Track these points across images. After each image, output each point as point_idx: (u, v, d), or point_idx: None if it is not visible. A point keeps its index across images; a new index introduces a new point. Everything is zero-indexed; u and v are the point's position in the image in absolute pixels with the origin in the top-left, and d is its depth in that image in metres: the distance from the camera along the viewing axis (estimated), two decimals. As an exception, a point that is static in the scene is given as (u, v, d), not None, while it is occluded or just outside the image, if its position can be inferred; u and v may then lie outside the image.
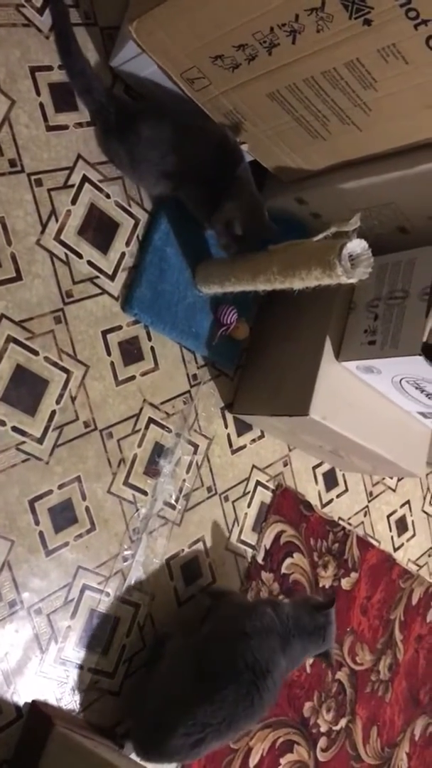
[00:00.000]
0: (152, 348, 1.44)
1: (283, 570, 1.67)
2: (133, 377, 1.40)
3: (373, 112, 1.17)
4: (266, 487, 1.66)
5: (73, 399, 1.31)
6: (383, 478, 1.99)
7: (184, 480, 1.49)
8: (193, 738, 1.20)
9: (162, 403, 1.45)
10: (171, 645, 1.35)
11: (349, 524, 1.87)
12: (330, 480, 1.83)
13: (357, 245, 1.14)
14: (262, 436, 1.67)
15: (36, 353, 1.26)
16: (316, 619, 1.35)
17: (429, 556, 2.13)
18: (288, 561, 1.69)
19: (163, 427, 1.45)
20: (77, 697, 1.30)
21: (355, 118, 1.20)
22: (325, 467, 1.82)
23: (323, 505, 1.80)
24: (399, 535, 2.03)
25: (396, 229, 1.42)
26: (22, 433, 1.24)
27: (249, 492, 1.63)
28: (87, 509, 1.32)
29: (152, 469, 1.43)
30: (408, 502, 2.07)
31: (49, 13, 1.26)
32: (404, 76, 1.06)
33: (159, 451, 1.45)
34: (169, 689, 1.26)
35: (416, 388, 1.40)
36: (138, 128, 1.26)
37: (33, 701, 1.24)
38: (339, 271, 1.12)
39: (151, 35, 1.17)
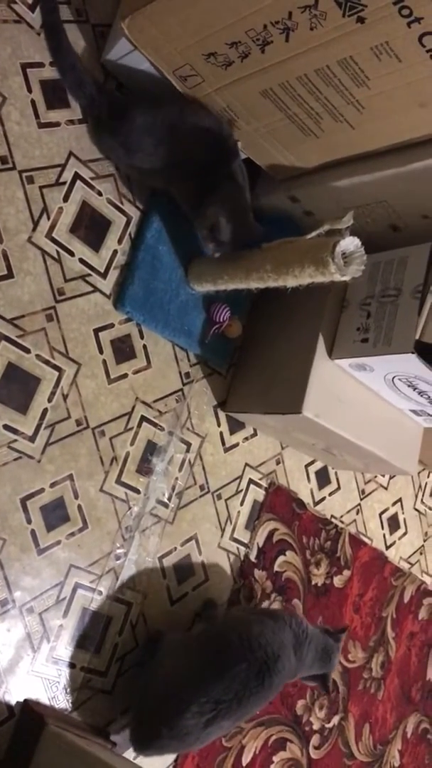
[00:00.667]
0: (144, 346, 1.44)
1: (276, 568, 1.68)
2: (125, 375, 1.40)
3: (365, 110, 1.17)
4: (259, 486, 1.66)
5: (65, 397, 1.30)
6: (375, 476, 2.00)
7: (176, 478, 1.49)
8: (206, 716, 1.19)
9: (154, 401, 1.45)
10: (170, 637, 1.35)
11: (342, 522, 1.87)
12: (322, 478, 1.83)
13: (350, 243, 1.15)
14: (254, 434, 1.67)
15: (28, 351, 1.25)
16: (327, 640, 1.38)
17: (421, 553, 2.14)
18: (281, 559, 1.69)
19: (155, 425, 1.45)
20: (69, 696, 1.30)
21: (348, 115, 1.19)
22: (318, 465, 1.82)
23: (316, 503, 1.80)
24: (391, 533, 2.03)
25: (388, 227, 1.42)
26: (14, 431, 1.23)
27: (242, 490, 1.63)
28: (79, 507, 1.32)
29: (145, 468, 1.43)
30: (400, 500, 2.08)
31: (39, 11, 1.26)
32: (397, 74, 1.07)
33: (151, 449, 1.44)
34: (174, 675, 1.25)
35: (409, 385, 1.41)
36: (132, 116, 1.25)
37: (25, 700, 1.23)
38: (332, 268, 1.12)
39: (144, 32, 1.16)
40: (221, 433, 1.59)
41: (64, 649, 1.29)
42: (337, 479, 1.88)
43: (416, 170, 1.22)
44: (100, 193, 1.36)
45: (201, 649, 1.29)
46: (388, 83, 1.09)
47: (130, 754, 1.36)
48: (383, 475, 2.02)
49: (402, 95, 1.10)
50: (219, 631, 1.33)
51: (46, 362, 1.28)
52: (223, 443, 1.60)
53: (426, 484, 2.18)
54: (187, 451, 1.52)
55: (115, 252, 1.38)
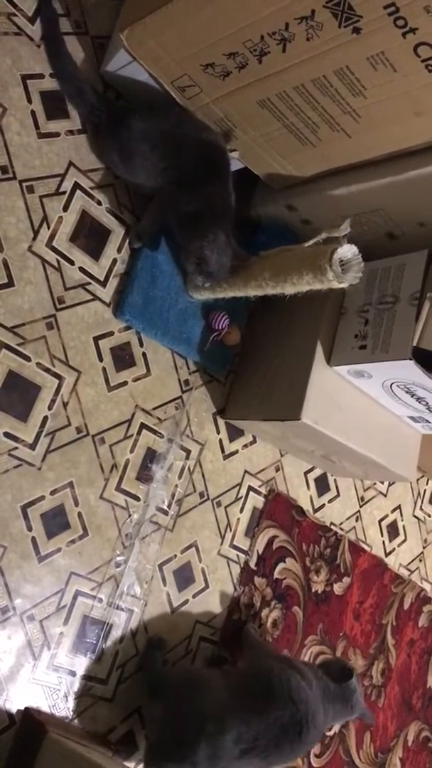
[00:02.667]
0: (144, 354, 1.45)
1: (276, 575, 1.68)
2: (125, 383, 1.41)
3: (362, 119, 1.18)
4: (258, 493, 1.67)
5: (65, 405, 1.31)
6: (374, 483, 2.00)
7: (176, 485, 1.49)
8: (244, 746, 1.20)
9: (154, 408, 1.46)
10: (187, 674, 1.36)
11: (341, 529, 1.87)
12: (322, 485, 1.83)
13: (347, 250, 1.16)
14: (254, 442, 1.67)
15: (28, 359, 1.26)
16: (343, 690, 1.37)
17: (420, 560, 2.14)
18: (280, 566, 1.69)
19: (155, 432, 1.46)
20: (70, 704, 1.29)
21: (345, 125, 1.21)
22: (317, 472, 1.82)
23: (315, 510, 1.80)
24: (390, 539, 2.03)
25: (385, 235, 1.43)
26: (15, 438, 1.24)
27: (241, 497, 1.63)
28: (79, 515, 1.32)
29: (145, 475, 1.43)
30: (399, 506, 2.08)
31: (39, 22, 1.27)
32: (393, 84, 1.08)
33: (151, 456, 1.45)
34: (212, 704, 1.25)
35: (407, 392, 1.41)
36: (129, 122, 1.27)
37: (26, 708, 1.23)
38: (330, 275, 1.14)
39: (143, 44, 1.18)
40: (220, 441, 1.60)
41: (65, 656, 1.29)
42: (337, 486, 1.88)
43: (412, 178, 1.24)
44: (99, 203, 1.37)
45: (243, 685, 1.30)
46: (384, 93, 1.11)
47: (130, 762, 1.36)
48: (382, 482, 2.03)
49: (398, 104, 1.12)
50: (260, 673, 1.33)
51: (47, 370, 1.28)
52: (223, 450, 1.60)
53: (425, 490, 2.18)
54: (187, 458, 1.52)
55: (114, 261, 1.39)
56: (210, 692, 1.27)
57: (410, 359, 1.27)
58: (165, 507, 1.47)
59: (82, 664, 1.32)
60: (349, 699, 1.36)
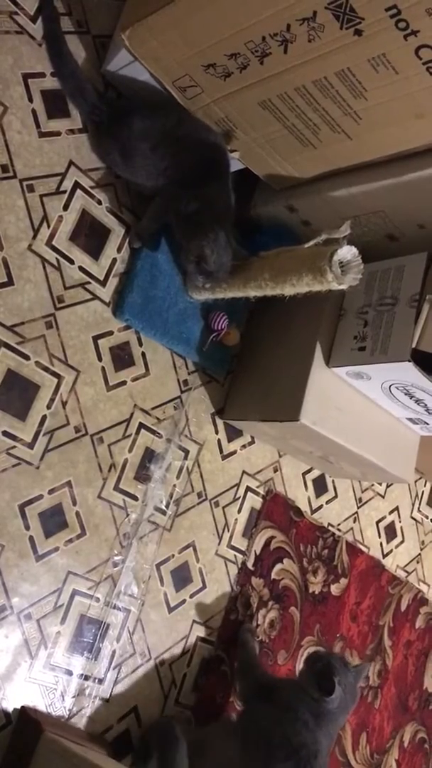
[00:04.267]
0: (143, 353, 1.45)
1: (273, 576, 1.68)
2: (124, 382, 1.41)
3: (363, 121, 1.18)
4: (256, 493, 1.67)
5: (64, 404, 1.31)
6: (372, 485, 2.00)
7: (174, 485, 1.50)
8: None
9: (153, 408, 1.46)
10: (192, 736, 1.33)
11: (339, 530, 1.87)
12: (320, 486, 1.84)
13: (347, 252, 1.16)
14: (252, 442, 1.67)
15: (27, 358, 1.26)
16: (327, 705, 1.32)
17: (417, 562, 2.14)
18: (278, 567, 1.69)
19: (153, 432, 1.46)
20: (67, 703, 1.29)
21: (346, 126, 1.21)
22: (315, 473, 1.82)
23: (313, 511, 1.80)
24: (388, 541, 2.04)
25: (385, 237, 1.43)
26: (13, 437, 1.24)
27: (239, 497, 1.63)
28: (77, 514, 1.32)
29: (143, 475, 1.43)
30: (397, 508, 2.09)
31: (41, 21, 1.27)
32: (394, 86, 1.08)
33: (150, 456, 1.45)
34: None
35: (405, 394, 1.41)
36: (130, 121, 1.28)
37: (22, 707, 1.23)
38: (330, 277, 1.14)
39: (144, 44, 1.18)
40: (219, 441, 1.60)
41: (62, 656, 1.29)
42: (335, 487, 1.88)
43: (413, 180, 1.24)
44: (99, 202, 1.37)
45: (244, 744, 1.29)
46: (385, 95, 1.11)
47: (126, 761, 1.36)
48: (380, 484, 2.03)
49: (399, 106, 1.12)
50: (259, 727, 1.32)
51: (46, 369, 1.28)
52: (221, 451, 1.60)
53: (423, 492, 2.19)
54: (185, 458, 1.52)
55: (114, 260, 1.39)
56: (215, 756, 1.28)
57: (409, 361, 1.27)
58: (163, 507, 1.47)
59: (78, 663, 1.32)
60: (334, 717, 1.33)
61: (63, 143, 1.32)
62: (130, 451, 1.41)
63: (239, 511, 1.63)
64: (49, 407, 1.29)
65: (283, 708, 1.32)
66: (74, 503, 1.32)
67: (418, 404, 1.45)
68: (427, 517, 2.19)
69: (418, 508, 2.16)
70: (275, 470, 1.72)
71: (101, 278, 1.37)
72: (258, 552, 1.65)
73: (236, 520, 1.62)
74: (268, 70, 1.14)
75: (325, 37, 1.04)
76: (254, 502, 1.66)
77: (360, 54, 1.05)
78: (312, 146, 1.29)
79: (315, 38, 1.05)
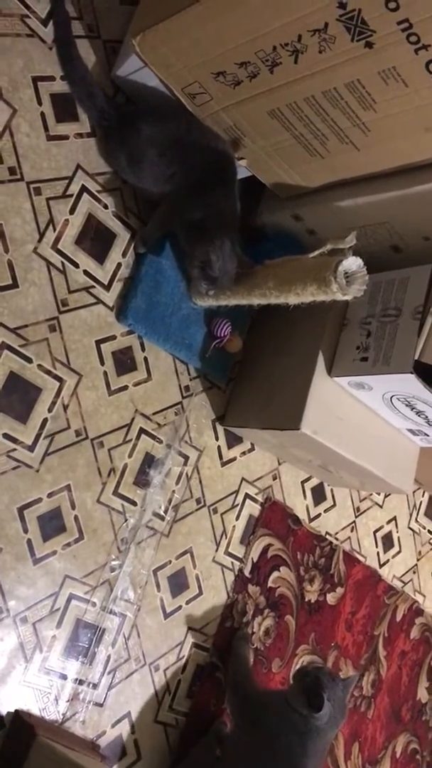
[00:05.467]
0: (145, 358, 1.45)
1: (270, 583, 1.68)
2: (125, 387, 1.41)
3: (371, 133, 1.18)
4: (255, 500, 1.67)
5: (65, 407, 1.31)
6: (371, 494, 2.00)
7: (173, 491, 1.49)
8: None
9: (154, 413, 1.46)
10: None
11: (336, 539, 1.87)
12: (318, 494, 1.83)
13: (353, 263, 1.16)
14: (252, 449, 1.67)
15: (30, 361, 1.26)
16: (316, 722, 1.30)
17: (414, 572, 2.14)
18: (275, 574, 1.69)
19: (154, 437, 1.45)
20: (60, 708, 1.29)
21: (354, 137, 1.21)
22: (314, 482, 1.82)
23: (311, 520, 1.80)
24: (385, 551, 2.04)
25: (390, 248, 1.43)
26: (14, 440, 1.24)
27: (238, 504, 1.63)
28: (76, 518, 1.32)
29: (142, 480, 1.43)
30: (395, 518, 2.08)
31: (52, 25, 1.27)
32: (404, 99, 1.08)
33: (149, 461, 1.45)
34: None
35: (407, 405, 1.41)
36: (139, 126, 1.28)
37: (16, 711, 1.23)
38: (334, 287, 1.14)
39: (154, 50, 1.18)
40: (219, 447, 1.60)
41: (57, 659, 1.29)
42: (333, 496, 1.88)
43: (419, 193, 1.24)
44: (106, 206, 1.37)
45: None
46: (394, 107, 1.11)
47: (119, 766, 1.35)
48: (378, 493, 2.03)
49: (408, 119, 1.12)
50: (245, 760, 1.33)
51: (48, 372, 1.28)
52: (221, 457, 1.60)
53: (421, 503, 2.19)
54: (185, 464, 1.52)
55: (119, 265, 1.39)
56: None
57: (411, 373, 1.27)
58: (161, 512, 1.47)
59: (73, 667, 1.31)
60: (324, 733, 1.32)
61: (71, 147, 1.32)
62: (130, 456, 1.41)
63: (237, 518, 1.63)
64: (50, 411, 1.29)
65: (268, 737, 1.31)
66: (73, 507, 1.32)
67: (419, 416, 1.45)
68: (424, 528, 2.19)
69: (416, 519, 2.16)
70: (274, 478, 1.72)
71: (105, 282, 1.37)
72: (255, 559, 1.65)
73: (234, 527, 1.62)
74: (278, 79, 1.15)
75: (336, 48, 1.04)
76: (252, 509, 1.66)
77: (370, 66, 1.05)
78: (319, 156, 1.29)
79: (326, 49, 1.05)
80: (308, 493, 1.81)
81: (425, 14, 0.94)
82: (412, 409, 1.43)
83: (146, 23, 1.15)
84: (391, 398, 1.42)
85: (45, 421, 1.28)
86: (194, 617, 1.52)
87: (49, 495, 1.28)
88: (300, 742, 1.29)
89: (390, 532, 2.06)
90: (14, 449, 1.24)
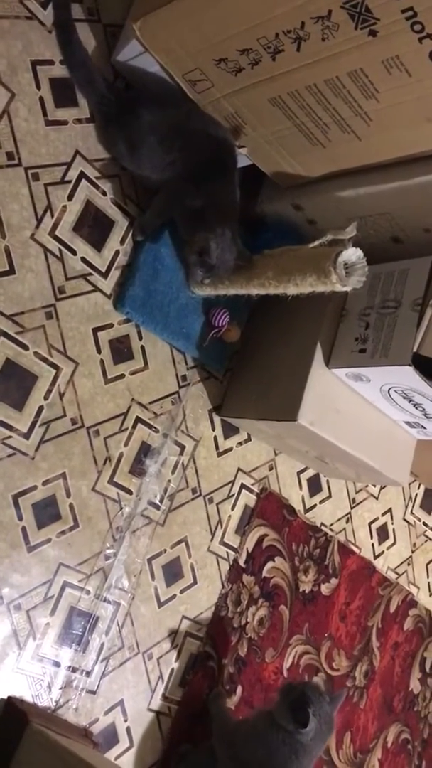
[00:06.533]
0: (142, 347, 1.44)
1: (264, 574, 1.68)
2: (122, 376, 1.40)
3: (373, 122, 1.17)
4: (251, 491, 1.67)
5: (61, 395, 1.30)
6: (366, 486, 2.00)
7: (169, 480, 1.49)
8: None
9: (150, 402, 1.45)
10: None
11: (331, 530, 1.87)
12: (314, 485, 1.83)
13: (353, 254, 1.15)
14: (248, 440, 1.67)
15: (26, 348, 1.25)
16: (301, 738, 1.29)
17: (408, 564, 2.15)
18: (269, 565, 1.69)
19: (150, 426, 1.45)
20: (53, 695, 1.29)
21: (356, 127, 1.20)
22: (310, 472, 1.82)
23: (306, 510, 1.80)
24: (380, 542, 2.04)
25: (390, 239, 1.42)
26: (9, 427, 1.23)
27: (233, 495, 1.63)
28: (71, 506, 1.32)
29: (138, 469, 1.43)
30: (390, 510, 2.09)
31: (52, 8, 1.26)
32: (406, 88, 1.07)
33: (145, 450, 1.44)
34: None
35: (404, 397, 1.41)
36: (138, 113, 1.26)
37: (9, 697, 1.23)
38: (334, 278, 1.13)
39: (155, 35, 1.17)
40: (215, 437, 1.60)
41: (50, 647, 1.29)
42: (329, 487, 1.88)
43: (421, 184, 1.23)
44: (104, 193, 1.36)
45: None
46: (397, 97, 1.10)
47: (111, 753, 1.36)
48: (374, 485, 2.03)
49: (410, 109, 1.11)
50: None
51: (44, 360, 1.28)
52: (217, 447, 1.60)
53: (416, 495, 2.19)
54: (181, 453, 1.52)
55: (117, 252, 1.38)
56: None
57: (410, 365, 1.27)
58: (157, 501, 1.47)
59: (66, 655, 1.31)
60: (309, 749, 1.30)
61: (70, 132, 1.30)
62: (125, 444, 1.41)
63: (233, 508, 1.63)
64: (46, 398, 1.28)
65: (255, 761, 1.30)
66: (68, 495, 1.31)
67: (416, 408, 1.45)
68: (419, 520, 2.19)
69: (411, 511, 2.16)
70: (270, 468, 1.72)
71: (103, 270, 1.36)
72: (250, 549, 1.65)
73: (230, 517, 1.62)
74: (280, 67, 1.13)
75: (339, 36, 1.03)
76: (248, 499, 1.66)
77: (373, 55, 1.04)
78: (321, 145, 1.28)
79: (329, 37, 1.04)
80: (304, 484, 1.81)
81: (430, 2, 0.92)
82: (409, 402, 1.42)
83: (147, 8, 1.14)
84: (388, 390, 1.41)
85: (41, 408, 1.27)
86: (188, 606, 1.53)
87: (44, 483, 1.28)
88: (286, 759, 1.27)
89: (385, 524, 2.07)
90: (9, 436, 1.23)
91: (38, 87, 1.26)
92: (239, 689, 1.61)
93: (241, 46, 1.12)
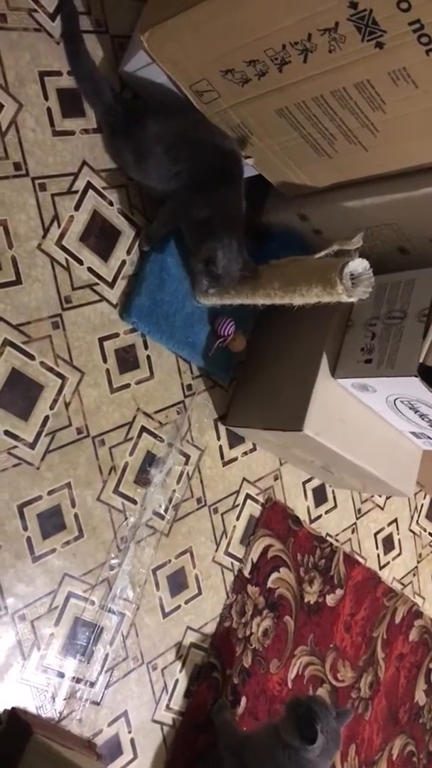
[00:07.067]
0: (148, 357, 1.44)
1: (269, 584, 1.67)
2: (127, 385, 1.40)
3: (380, 133, 1.17)
4: (256, 501, 1.66)
5: (67, 405, 1.30)
6: (372, 496, 2.00)
7: (174, 490, 1.49)
8: None
9: (156, 412, 1.45)
10: None
11: (337, 541, 1.86)
12: (319, 496, 1.83)
13: (359, 264, 1.15)
14: (253, 449, 1.66)
15: (32, 358, 1.25)
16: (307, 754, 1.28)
17: (414, 575, 2.14)
18: (274, 575, 1.68)
19: (155, 436, 1.45)
20: (57, 706, 1.29)
21: (362, 138, 1.20)
22: (315, 483, 1.82)
23: (312, 521, 1.80)
24: (385, 553, 2.03)
25: (396, 250, 1.42)
26: (15, 437, 1.23)
27: (238, 505, 1.62)
28: (76, 516, 1.32)
29: (143, 478, 1.43)
30: (395, 520, 2.08)
31: (60, 19, 1.26)
32: (413, 100, 1.07)
33: (150, 460, 1.44)
34: None
35: (410, 408, 1.41)
36: (145, 123, 1.27)
37: (12, 708, 1.22)
38: (340, 289, 1.13)
39: (163, 46, 1.17)
40: (220, 447, 1.59)
41: (55, 658, 1.29)
42: (334, 497, 1.87)
43: (427, 195, 1.23)
44: (111, 203, 1.36)
45: None
46: (404, 108, 1.10)
47: (115, 765, 1.35)
48: (380, 495, 2.02)
49: (417, 121, 1.11)
50: None
51: (50, 369, 1.28)
52: (222, 457, 1.60)
53: (422, 505, 2.18)
54: (186, 463, 1.51)
55: (123, 262, 1.38)
56: None
57: (415, 376, 1.27)
58: (162, 511, 1.46)
59: (71, 665, 1.31)
60: (315, 765, 1.29)
61: (77, 143, 1.31)
62: (131, 454, 1.41)
63: (238, 518, 1.62)
64: (52, 408, 1.28)
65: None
66: (73, 505, 1.31)
67: (422, 419, 1.44)
68: (425, 530, 2.18)
69: (417, 521, 2.16)
70: (275, 478, 1.72)
71: (110, 280, 1.36)
72: (255, 560, 1.65)
73: (234, 527, 1.61)
74: (286, 78, 1.14)
75: (346, 48, 1.03)
76: (253, 509, 1.65)
77: (380, 67, 1.04)
78: (327, 156, 1.28)
79: (336, 49, 1.04)
80: (309, 494, 1.80)
81: (437, 15, 0.93)
82: (415, 412, 1.42)
83: (155, 19, 1.15)
84: (394, 401, 1.41)
85: (46, 418, 1.27)
86: (193, 617, 1.52)
87: (50, 492, 1.28)
88: None
89: (391, 534, 2.06)
90: (15, 446, 1.23)
91: (46, 98, 1.27)
92: (243, 700, 1.60)
93: (247, 57, 1.12)
